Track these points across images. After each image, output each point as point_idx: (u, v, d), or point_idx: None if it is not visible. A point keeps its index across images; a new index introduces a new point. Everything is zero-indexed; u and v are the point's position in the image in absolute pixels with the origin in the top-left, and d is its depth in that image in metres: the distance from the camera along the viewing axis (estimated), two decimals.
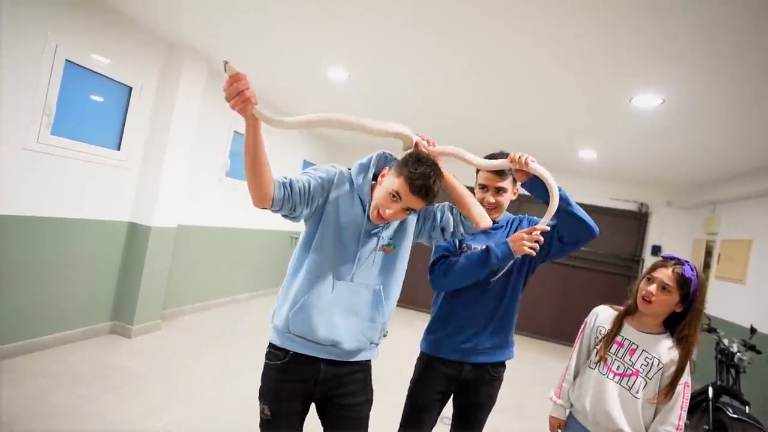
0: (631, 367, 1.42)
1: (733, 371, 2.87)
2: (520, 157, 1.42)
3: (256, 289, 5.55)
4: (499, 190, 1.65)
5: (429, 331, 1.72)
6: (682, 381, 1.36)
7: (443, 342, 1.66)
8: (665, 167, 4.77)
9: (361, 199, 1.35)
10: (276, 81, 4.14)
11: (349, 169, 1.40)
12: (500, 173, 1.62)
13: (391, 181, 1.27)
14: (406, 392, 1.74)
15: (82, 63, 2.92)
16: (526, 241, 1.46)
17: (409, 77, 3.42)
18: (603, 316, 1.56)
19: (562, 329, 6.09)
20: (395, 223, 1.39)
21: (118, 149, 3.32)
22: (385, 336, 1.45)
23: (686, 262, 1.41)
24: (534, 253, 1.47)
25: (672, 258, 1.44)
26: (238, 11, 2.73)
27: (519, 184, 1.68)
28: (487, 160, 1.50)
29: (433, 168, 1.26)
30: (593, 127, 3.86)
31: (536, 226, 1.48)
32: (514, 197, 1.73)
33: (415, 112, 4.33)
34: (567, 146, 4.62)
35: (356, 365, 1.38)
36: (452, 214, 1.43)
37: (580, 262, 6.11)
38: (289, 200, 1.22)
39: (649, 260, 5.88)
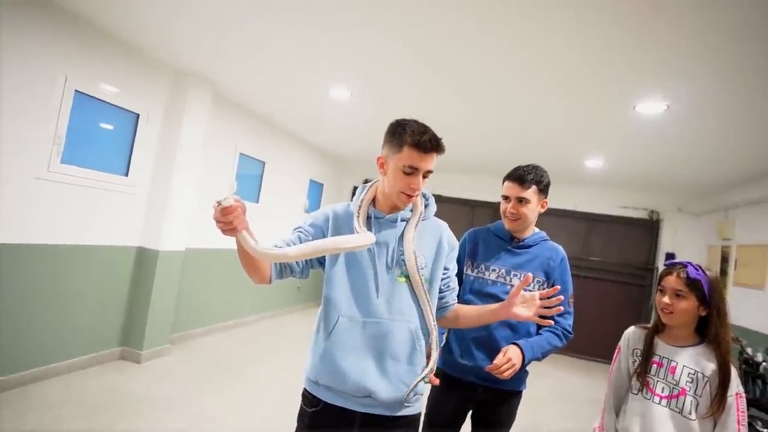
0: (676, 387, 1.32)
1: (759, 382, 2.76)
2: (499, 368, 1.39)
3: (264, 310, 5.51)
4: (521, 200, 1.60)
5: (444, 348, 1.68)
6: (731, 392, 1.27)
7: (457, 362, 1.61)
8: (674, 173, 4.71)
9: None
10: (279, 101, 4.20)
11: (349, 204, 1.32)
12: (521, 182, 1.59)
13: (395, 160, 1.17)
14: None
15: (91, 92, 2.99)
16: (503, 370, 1.42)
17: (411, 94, 3.45)
18: (634, 336, 1.47)
19: (576, 343, 5.92)
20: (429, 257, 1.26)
21: (126, 175, 3.36)
22: (426, 382, 1.23)
23: (689, 263, 1.38)
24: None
25: (675, 263, 1.40)
26: (240, 37, 2.78)
27: (546, 196, 1.66)
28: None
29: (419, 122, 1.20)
30: (598, 136, 3.84)
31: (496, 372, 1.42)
32: (543, 210, 1.67)
33: None
34: (573, 155, 4.59)
35: (400, 421, 1.19)
36: (451, 283, 1.33)
37: (592, 273, 6.00)
38: (287, 269, 1.21)
39: (663, 269, 5.75)
